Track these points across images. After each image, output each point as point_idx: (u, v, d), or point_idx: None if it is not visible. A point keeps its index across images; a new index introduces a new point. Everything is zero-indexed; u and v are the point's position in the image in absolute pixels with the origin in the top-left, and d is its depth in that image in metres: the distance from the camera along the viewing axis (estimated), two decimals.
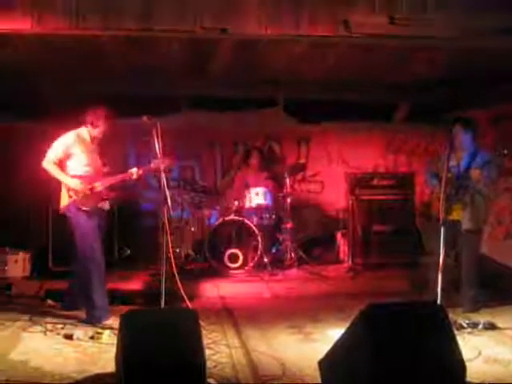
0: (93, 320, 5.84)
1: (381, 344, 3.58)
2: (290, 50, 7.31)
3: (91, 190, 5.97)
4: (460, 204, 6.34)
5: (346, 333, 3.95)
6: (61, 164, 5.99)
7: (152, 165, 6.05)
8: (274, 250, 8.83)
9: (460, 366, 3.69)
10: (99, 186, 6.04)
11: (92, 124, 6.10)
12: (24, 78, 8.47)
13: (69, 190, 5.93)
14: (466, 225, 6.39)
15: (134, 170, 6.26)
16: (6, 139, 9.07)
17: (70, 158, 6.01)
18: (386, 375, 3.48)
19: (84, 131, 6.14)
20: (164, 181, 5.56)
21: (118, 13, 5.41)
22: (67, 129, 6.09)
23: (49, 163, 5.95)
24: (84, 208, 5.92)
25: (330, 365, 4.03)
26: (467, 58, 7.42)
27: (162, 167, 5.67)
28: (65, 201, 5.98)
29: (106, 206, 6.16)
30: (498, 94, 8.37)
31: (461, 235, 6.41)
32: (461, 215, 6.37)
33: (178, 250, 8.21)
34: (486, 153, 6.35)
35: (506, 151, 5.88)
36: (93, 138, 6.15)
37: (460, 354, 3.75)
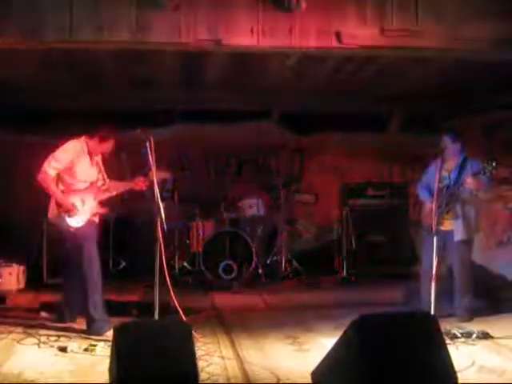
0: (93, 332, 5.84)
1: (372, 354, 3.59)
2: (283, 61, 7.35)
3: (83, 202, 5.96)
4: (451, 214, 6.37)
5: (337, 344, 3.96)
6: (58, 177, 5.92)
7: (149, 177, 5.91)
8: (268, 261, 8.84)
9: (452, 375, 3.70)
10: (93, 202, 6.05)
11: (100, 140, 6.06)
12: (16, 92, 8.51)
13: (60, 206, 5.89)
14: (458, 235, 6.41)
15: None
16: (1, 152, 9.08)
17: (70, 171, 5.94)
18: None
19: (84, 144, 6.06)
20: (157, 193, 5.56)
21: (111, 26, 5.43)
22: (61, 142, 6.04)
23: (45, 176, 5.82)
24: (76, 226, 5.91)
25: (323, 375, 4.04)
26: (459, 68, 7.48)
27: (155, 180, 5.65)
28: (54, 211, 5.94)
29: (97, 218, 6.16)
30: (492, 103, 8.42)
31: (452, 245, 6.43)
32: (452, 225, 6.40)
33: (172, 262, 8.20)
34: (475, 162, 6.39)
35: (494, 163, 5.92)
36: (91, 153, 6.10)
37: (452, 363, 3.77)
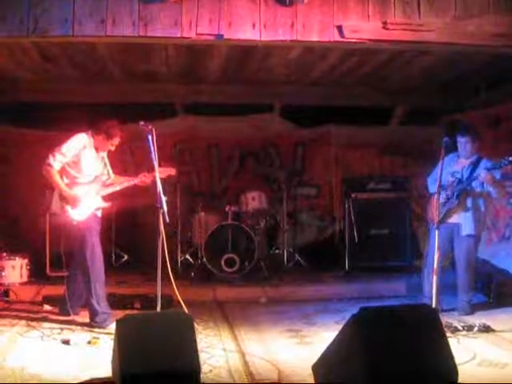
0: (96, 324, 5.88)
1: (372, 347, 3.61)
2: (285, 55, 7.36)
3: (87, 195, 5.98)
4: (461, 207, 6.36)
5: (338, 337, 3.98)
6: (62, 170, 5.93)
7: (155, 173, 5.75)
8: (270, 254, 8.86)
9: (452, 368, 3.72)
10: (96, 196, 6.07)
11: (107, 137, 6.04)
12: (17, 85, 8.53)
13: (63, 199, 5.88)
14: (466, 230, 6.42)
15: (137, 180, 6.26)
16: (4, 145, 9.11)
17: (75, 164, 5.94)
18: (377, 378, 3.50)
19: (90, 138, 6.05)
20: (160, 186, 5.57)
21: (114, 20, 5.43)
22: (66, 135, 6.02)
23: (50, 168, 5.82)
24: (79, 219, 5.92)
25: (324, 369, 4.06)
26: (461, 62, 7.48)
27: (157, 172, 5.66)
28: (58, 204, 5.96)
29: (99, 212, 6.18)
30: (495, 96, 8.41)
31: (459, 239, 6.45)
32: (461, 218, 6.40)
33: (174, 255, 8.21)
34: (487, 160, 6.37)
35: (511, 158, 5.88)
36: (97, 148, 6.10)
37: (452, 356, 3.79)
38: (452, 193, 6.36)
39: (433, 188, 6.63)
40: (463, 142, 6.47)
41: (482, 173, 6.13)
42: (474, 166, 6.41)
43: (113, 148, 6.17)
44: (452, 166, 6.47)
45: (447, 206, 6.36)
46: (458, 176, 6.44)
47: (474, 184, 6.32)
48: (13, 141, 9.15)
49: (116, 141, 6.12)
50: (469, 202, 6.40)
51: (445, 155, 6.04)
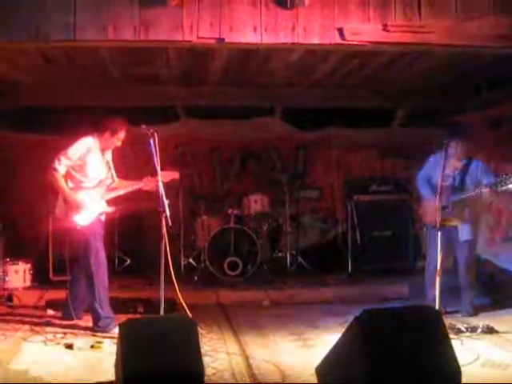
0: (99, 329, 5.88)
1: (374, 350, 3.61)
2: (286, 57, 7.37)
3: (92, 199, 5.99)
4: (459, 217, 6.37)
5: (340, 339, 3.98)
6: (67, 174, 5.95)
7: (160, 178, 5.76)
8: (273, 257, 8.86)
9: (455, 370, 3.71)
10: (100, 200, 6.08)
11: (112, 133, 6.05)
12: (19, 89, 8.54)
13: (67, 203, 5.90)
14: (464, 236, 6.44)
15: (141, 184, 6.25)
16: (7, 149, 9.12)
17: (80, 168, 5.95)
18: (379, 381, 3.50)
19: (95, 140, 6.06)
20: (162, 190, 5.58)
21: (115, 25, 5.44)
22: (68, 140, 6.03)
23: (55, 172, 5.84)
24: (83, 223, 5.93)
25: (327, 371, 4.06)
26: (462, 63, 7.48)
27: (160, 176, 5.67)
28: (62, 208, 5.99)
29: (103, 217, 6.19)
30: (496, 97, 8.41)
31: (458, 243, 6.46)
32: (458, 223, 6.40)
33: (177, 259, 8.21)
34: (477, 161, 6.38)
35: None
36: (103, 150, 6.11)
37: (455, 358, 3.78)
38: (447, 202, 6.32)
39: (425, 192, 6.63)
40: (455, 143, 6.45)
41: (483, 190, 6.09)
42: (465, 171, 6.43)
43: (119, 143, 6.16)
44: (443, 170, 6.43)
45: (444, 214, 6.32)
46: (450, 181, 6.43)
47: (468, 188, 6.31)
48: (14, 145, 9.15)
49: (121, 135, 6.11)
50: (466, 211, 6.42)
51: (437, 155, 6.09)
